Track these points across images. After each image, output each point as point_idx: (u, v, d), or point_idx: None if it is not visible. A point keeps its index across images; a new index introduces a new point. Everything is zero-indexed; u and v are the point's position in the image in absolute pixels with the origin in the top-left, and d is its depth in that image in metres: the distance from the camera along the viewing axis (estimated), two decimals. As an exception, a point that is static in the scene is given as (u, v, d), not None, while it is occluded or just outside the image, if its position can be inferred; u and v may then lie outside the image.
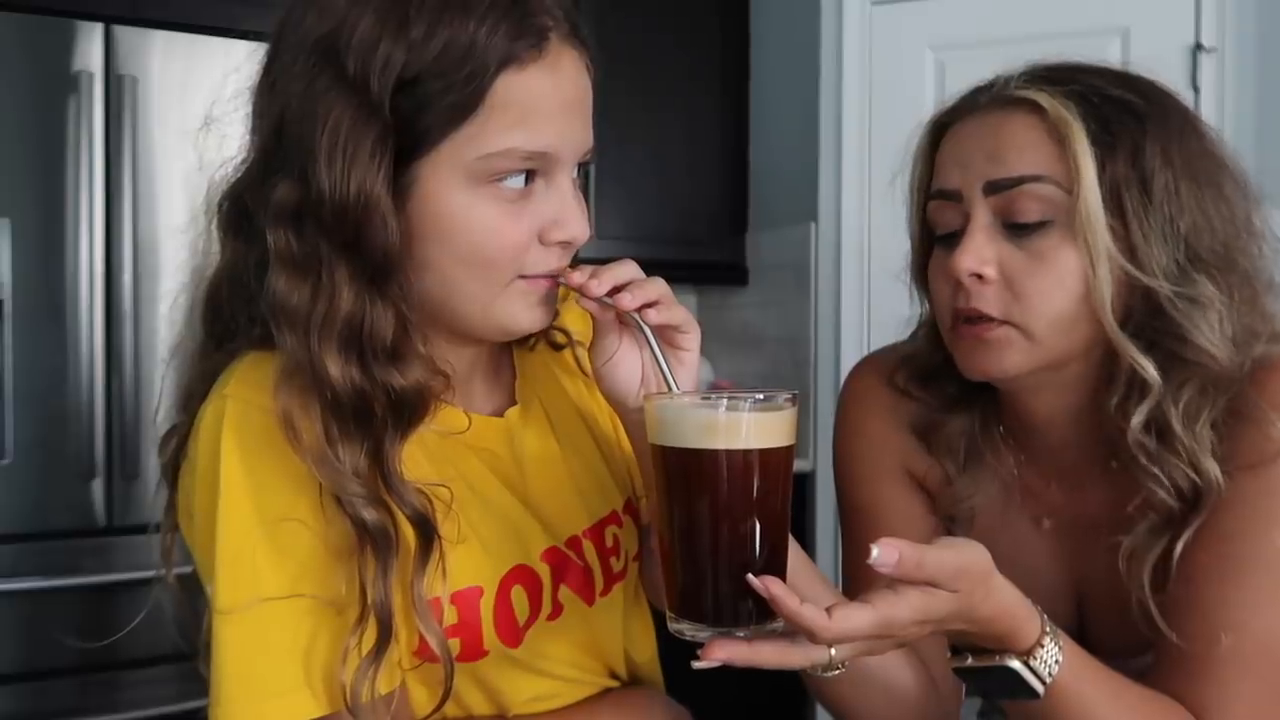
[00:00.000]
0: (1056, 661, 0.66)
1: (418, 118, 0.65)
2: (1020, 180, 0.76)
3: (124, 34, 1.92)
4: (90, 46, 1.89)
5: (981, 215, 0.77)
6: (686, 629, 0.62)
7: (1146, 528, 0.77)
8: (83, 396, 1.88)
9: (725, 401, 0.62)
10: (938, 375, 0.88)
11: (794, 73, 2.62)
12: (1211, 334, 0.74)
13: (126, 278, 1.91)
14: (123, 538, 1.92)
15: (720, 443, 0.60)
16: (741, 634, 0.60)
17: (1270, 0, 2.15)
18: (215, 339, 0.76)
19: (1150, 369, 0.75)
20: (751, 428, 0.61)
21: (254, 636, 0.67)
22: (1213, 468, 0.74)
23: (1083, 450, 0.84)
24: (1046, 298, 0.76)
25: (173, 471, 0.78)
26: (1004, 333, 0.77)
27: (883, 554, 0.57)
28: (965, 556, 0.61)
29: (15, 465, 1.85)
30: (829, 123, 2.50)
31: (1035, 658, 0.66)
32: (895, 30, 2.44)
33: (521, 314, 0.72)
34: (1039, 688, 0.66)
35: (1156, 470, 0.75)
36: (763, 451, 0.60)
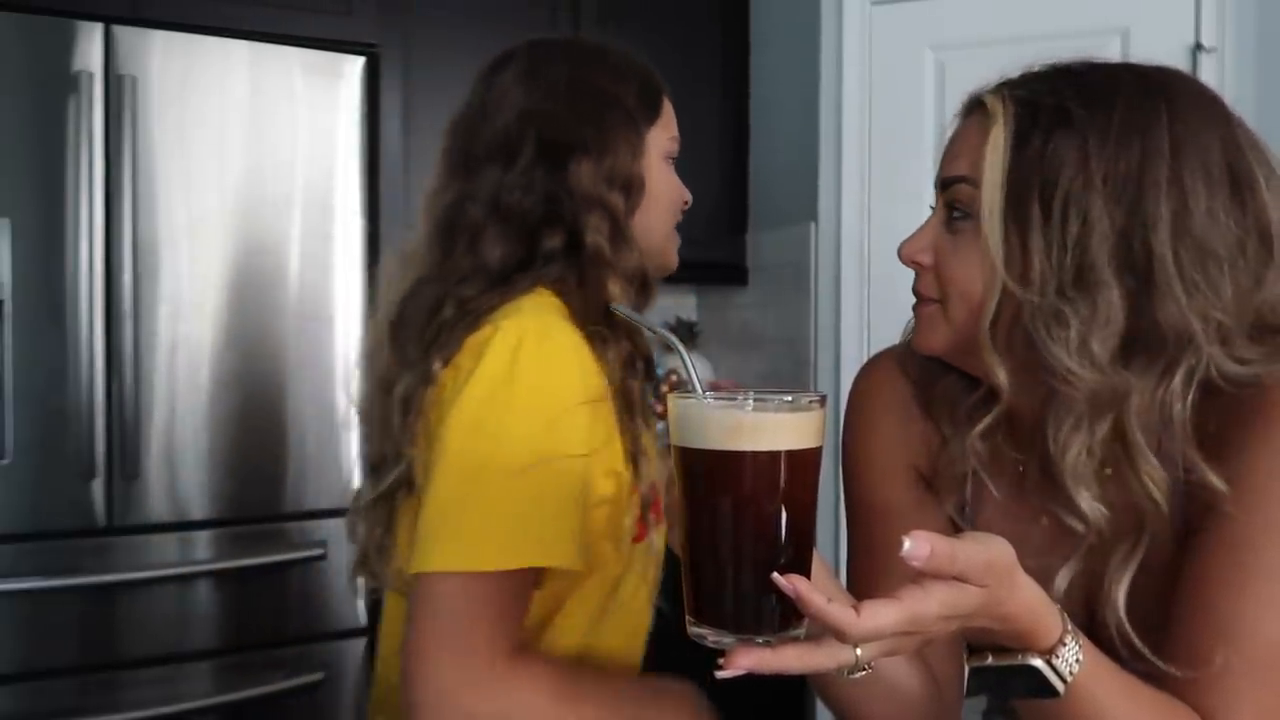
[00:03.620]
0: (1077, 660, 0.66)
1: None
2: (952, 181, 0.79)
3: (124, 34, 1.92)
4: (90, 46, 1.89)
5: (939, 209, 0.82)
6: (708, 634, 0.61)
7: (1081, 553, 0.77)
8: (83, 396, 1.88)
9: (751, 402, 0.61)
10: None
11: (794, 73, 2.62)
12: (1063, 354, 0.71)
13: (126, 278, 1.91)
14: (123, 538, 1.92)
15: (745, 444, 0.59)
16: (761, 641, 0.59)
17: (1270, 0, 2.16)
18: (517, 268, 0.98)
19: (1000, 375, 0.76)
20: (778, 429, 0.60)
21: (549, 487, 0.82)
22: (1087, 505, 0.74)
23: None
24: (957, 280, 0.79)
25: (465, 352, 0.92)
26: (933, 310, 0.82)
27: (915, 547, 0.56)
28: (993, 551, 0.60)
29: (15, 465, 1.85)
30: (829, 123, 2.50)
31: (1057, 656, 0.65)
32: (895, 30, 2.44)
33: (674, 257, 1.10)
34: (1060, 687, 0.65)
35: (1059, 495, 0.75)
36: (789, 453, 0.59)
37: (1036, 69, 0.80)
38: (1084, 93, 0.75)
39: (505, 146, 0.99)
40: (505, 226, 0.97)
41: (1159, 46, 2.15)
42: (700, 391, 0.66)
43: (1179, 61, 2.14)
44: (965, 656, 0.68)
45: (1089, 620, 0.84)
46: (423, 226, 1.05)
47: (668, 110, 1.09)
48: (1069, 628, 0.66)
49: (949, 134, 0.84)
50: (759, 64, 2.84)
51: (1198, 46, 2.17)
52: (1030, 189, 0.73)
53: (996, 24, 2.30)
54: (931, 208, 0.84)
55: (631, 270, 0.97)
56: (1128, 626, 0.75)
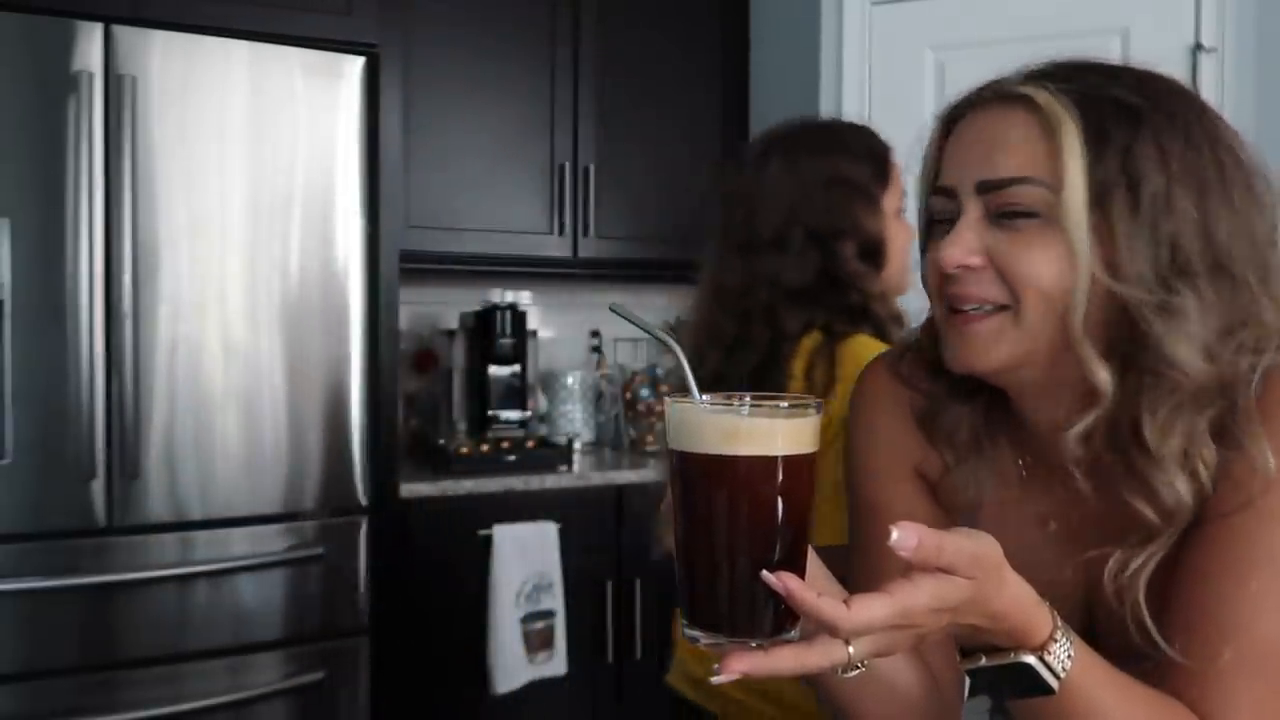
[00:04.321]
0: (1069, 657, 0.66)
1: None
2: (1010, 182, 0.76)
3: (124, 34, 1.92)
4: (90, 46, 1.89)
5: (973, 210, 0.78)
6: (702, 637, 0.61)
7: (1131, 542, 0.76)
8: (83, 396, 1.88)
9: (748, 406, 0.61)
10: (940, 365, 0.88)
11: (794, 73, 2.62)
12: (1183, 347, 0.72)
13: (126, 278, 1.91)
14: (123, 538, 1.92)
15: (741, 449, 0.59)
16: (755, 644, 0.60)
17: (1270, 0, 2.16)
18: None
19: (1102, 374, 0.74)
20: (774, 434, 0.60)
21: None
22: (1183, 487, 0.73)
23: (1085, 460, 0.84)
24: (1034, 276, 0.75)
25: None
26: (996, 323, 0.77)
27: (902, 537, 0.56)
28: (980, 545, 0.61)
29: (15, 465, 1.85)
30: (829, 123, 2.50)
31: (1049, 653, 0.65)
32: (895, 30, 2.44)
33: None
34: (1053, 684, 0.65)
35: (1135, 484, 0.75)
36: (785, 458, 0.59)
37: (1056, 64, 0.79)
38: (1141, 90, 0.76)
39: (779, 237, 1.29)
40: (792, 301, 1.26)
41: (1159, 46, 2.16)
42: (697, 394, 0.65)
43: (1179, 61, 2.14)
44: (958, 660, 0.68)
45: (1089, 622, 0.84)
46: (707, 293, 1.34)
47: (895, 172, 1.34)
48: (1059, 624, 0.66)
49: (963, 133, 0.80)
50: (759, 63, 2.84)
51: (1198, 46, 2.16)
52: (1116, 187, 0.73)
53: (996, 24, 2.30)
54: (937, 215, 0.81)
55: (891, 310, 1.30)
56: (1145, 612, 0.75)
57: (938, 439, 0.88)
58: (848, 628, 0.56)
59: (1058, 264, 0.74)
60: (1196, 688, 0.72)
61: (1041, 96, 0.75)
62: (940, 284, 0.80)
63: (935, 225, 0.83)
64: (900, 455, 0.90)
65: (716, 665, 0.58)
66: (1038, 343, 0.77)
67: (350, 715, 2.11)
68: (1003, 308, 0.77)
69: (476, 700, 2.26)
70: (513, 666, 2.24)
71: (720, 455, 0.59)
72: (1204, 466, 0.74)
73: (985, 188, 0.77)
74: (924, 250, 0.86)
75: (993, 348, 0.78)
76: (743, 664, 0.58)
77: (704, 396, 0.65)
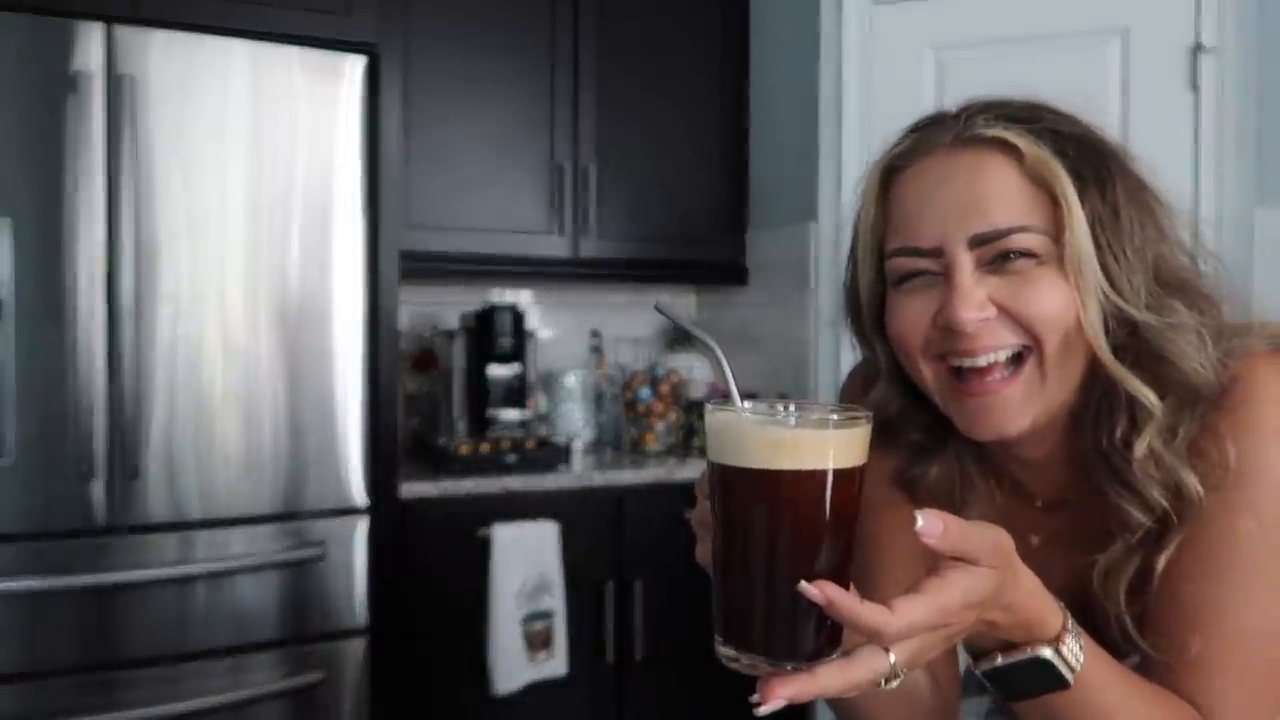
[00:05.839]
0: (1081, 649, 0.66)
1: None
2: (1007, 232, 0.76)
3: (124, 34, 1.92)
4: (90, 46, 1.89)
5: (966, 263, 0.77)
6: (743, 657, 0.58)
7: (1123, 547, 0.77)
8: (83, 396, 1.88)
9: (794, 416, 0.59)
10: (900, 427, 0.88)
11: (794, 73, 2.62)
12: (1198, 355, 0.75)
13: (127, 278, 1.91)
14: (123, 538, 1.92)
15: (786, 463, 0.56)
16: (791, 667, 0.57)
17: (1270, 0, 2.15)
18: None
19: (1151, 396, 0.75)
20: (822, 446, 0.57)
21: None
22: (1192, 482, 0.75)
23: (1063, 481, 0.85)
24: (1047, 312, 0.76)
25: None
26: (1022, 383, 0.77)
27: (928, 524, 0.56)
28: (997, 534, 0.61)
29: (15, 465, 1.85)
30: (829, 123, 2.50)
31: (1064, 644, 0.66)
32: (895, 30, 2.44)
33: None
34: (1069, 677, 0.66)
35: (1139, 491, 0.76)
36: (834, 472, 0.57)
37: (997, 104, 0.81)
38: (1078, 125, 0.80)
39: None
40: None
41: (1159, 46, 2.16)
42: (739, 402, 0.62)
43: (1179, 61, 2.14)
44: (971, 663, 0.68)
45: (1087, 625, 0.85)
46: None
47: None
48: (1069, 617, 0.67)
49: (924, 186, 0.80)
50: (759, 63, 2.84)
51: (1198, 46, 2.16)
52: (1103, 218, 0.76)
53: (996, 24, 2.30)
54: (909, 273, 0.81)
55: None
56: (1125, 613, 0.77)
57: (921, 501, 0.89)
58: (892, 631, 0.55)
59: (1062, 297, 0.76)
60: (1183, 684, 0.74)
61: (1020, 141, 0.76)
62: (929, 344, 0.80)
63: (903, 282, 0.82)
64: (887, 456, 0.91)
65: (756, 697, 0.55)
66: (1063, 385, 0.78)
67: (350, 715, 2.11)
68: (1017, 356, 0.77)
69: (476, 700, 2.26)
70: (513, 667, 2.24)
71: (764, 470, 0.56)
72: (1184, 468, 0.76)
73: (980, 241, 0.77)
74: (877, 309, 0.85)
75: (1023, 410, 0.78)
76: (788, 689, 0.55)
77: (746, 404, 0.61)
